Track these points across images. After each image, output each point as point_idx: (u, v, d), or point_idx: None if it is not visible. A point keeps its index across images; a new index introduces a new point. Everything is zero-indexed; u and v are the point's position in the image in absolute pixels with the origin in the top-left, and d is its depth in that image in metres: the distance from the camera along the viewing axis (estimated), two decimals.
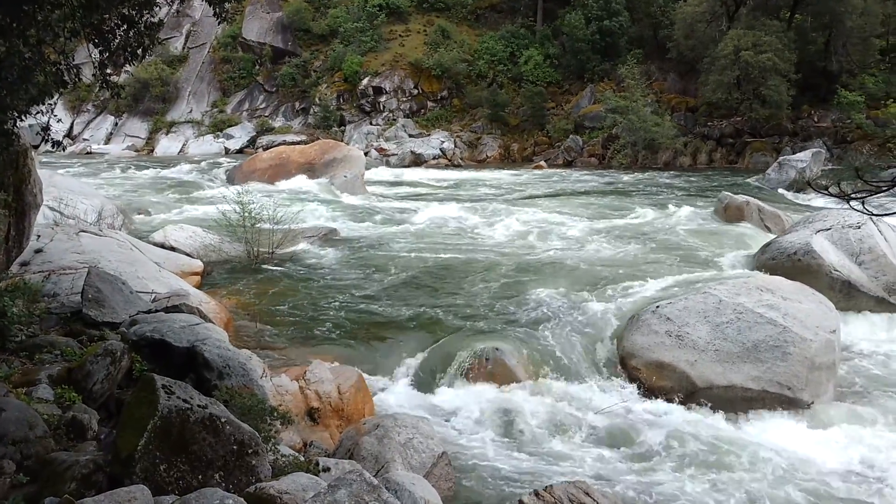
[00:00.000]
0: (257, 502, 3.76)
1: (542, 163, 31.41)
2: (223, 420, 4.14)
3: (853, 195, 4.15)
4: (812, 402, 7.04)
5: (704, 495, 5.53)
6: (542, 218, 15.94)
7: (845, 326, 8.74)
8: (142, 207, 16.11)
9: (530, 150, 34.18)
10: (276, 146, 29.25)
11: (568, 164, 31.64)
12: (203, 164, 27.73)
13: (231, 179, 21.53)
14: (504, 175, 27.09)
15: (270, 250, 11.75)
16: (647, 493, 5.62)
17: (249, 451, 4.19)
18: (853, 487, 5.69)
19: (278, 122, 39.69)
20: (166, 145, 38.11)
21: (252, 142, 37.76)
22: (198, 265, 10.72)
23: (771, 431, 6.60)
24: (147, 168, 26.40)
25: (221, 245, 11.87)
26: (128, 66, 6.87)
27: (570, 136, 32.98)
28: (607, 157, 30.86)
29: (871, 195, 4.06)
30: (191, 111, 40.49)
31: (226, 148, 37.37)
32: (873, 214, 4.16)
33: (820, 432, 6.57)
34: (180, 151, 37.36)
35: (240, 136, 38.31)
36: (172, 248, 11.14)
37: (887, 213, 4.06)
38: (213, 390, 5.38)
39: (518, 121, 35.63)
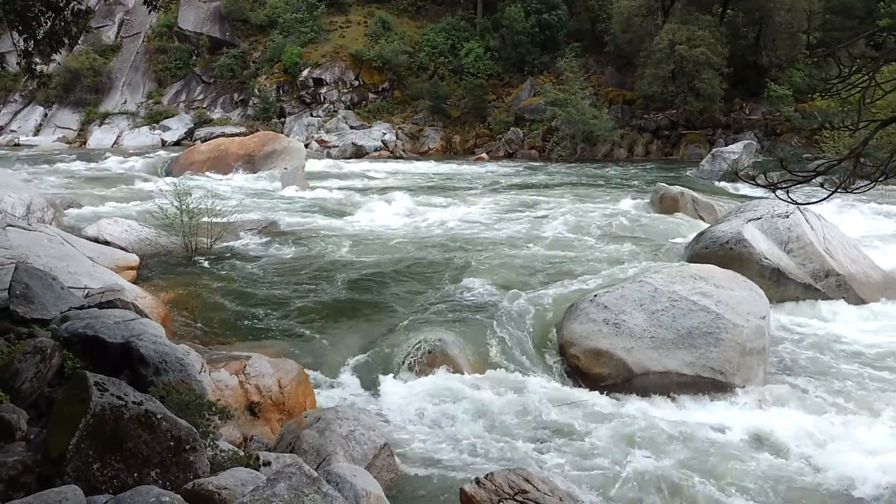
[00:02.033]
0: (195, 498, 3.70)
1: (484, 155, 31.60)
2: (159, 416, 4.06)
3: (779, 185, 4.30)
4: (743, 386, 7.28)
5: (641, 478, 5.67)
6: (483, 210, 16.06)
7: (775, 312, 9.06)
8: (74, 201, 15.63)
9: (472, 143, 34.33)
10: (214, 138, 28.71)
11: (509, 157, 31.91)
12: (139, 156, 27.03)
13: (168, 172, 21.11)
14: (446, 167, 27.16)
15: (209, 244, 11.56)
16: (587, 477, 5.73)
17: (187, 447, 4.12)
18: (780, 466, 5.91)
19: (217, 114, 38.93)
20: (100, 137, 36.99)
21: (190, 134, 36.96)
22: (133, 259, 10.46)
23: (704, 415, 6.80)
24: (80, 160, 25.59)
25: (158, 239, 11.61)
26: (56, 55, 6.65)
27: (511, 128, 33.26)
28: (547, 149, 31.23)
29: (795, 185, 4.22)
30: (125, 102, 39.36)
31: (162, 140, 36.50)
32: (798, 203, 4.32)
33: (751, 415, 6.80)
34: (114, 144, 36.31)
35: (177, 127, 37.44)
36: (107, 243, 10.84)
37: (810, 201, 4.23)
38: (150, 386, 5.27)
39: (459, 113, 35.73)
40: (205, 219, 11.55)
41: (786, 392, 7.26)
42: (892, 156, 3.90)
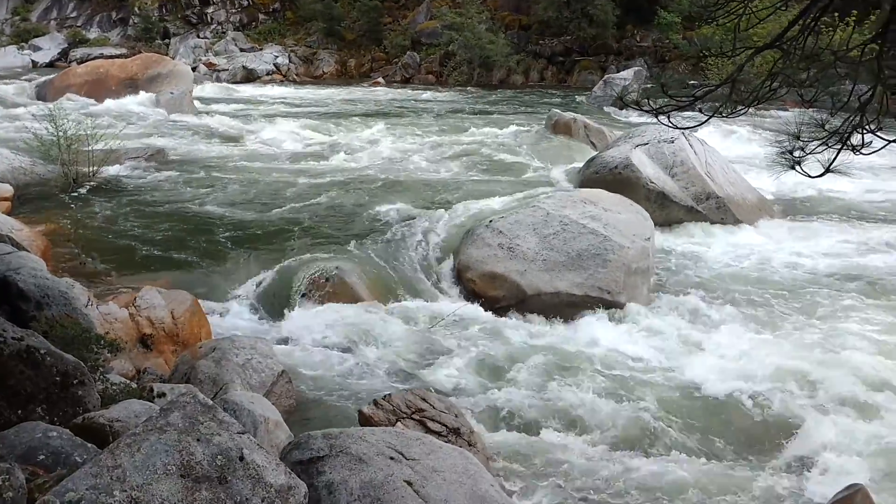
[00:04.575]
0: (85, 432, 3.64)
1: (381, 79, 31.03)
2: (42, 351, 3.93)
3: (661, 110, 4.44)
4: (628, 304, 7.66)
5: (534, 393, 5.95)
6: (379, 136, 15.88)
7: (659, 234, 9.50)
8: None
9: (368, 67, 33.57)
10: (92, 59, 26.89)
11: (406, 81, 31.47)
12: (6, 78, 25.08)
13: (42, 96, 19.72)
14: (342, 92, 26.56)
15: (90, 173, 10.97)
16: (483, 395, 5.97)
17: (74, 381, 4.02)
18: (658, 376, 6.31)
19: (93, 34, 36.42)
20: None
21: (64, 55, 34.48)
22: (7, 190, 9.82)
23: (592, 331, 7.13)
24: None
25: (34, 168, 10.93)
26: None
27: (408, 52, 32.68)
28: (444, 74, 30.96)
29: (676, 110, 4.37)
30: None
31: (33, 61, 33.92)
32: (677, 128, 4.49)
33: (633, 329, 7.20)
34: None
35: (49, 47, 34.84)
36: None
37: (687, 126, 4.41)
38: (31, 322, 5.08)
39: (354, 36, 34.74)
40: (85, 146, 10.92)
41: (664, 308, 7.71)
42: (763, 81, 4.10)
